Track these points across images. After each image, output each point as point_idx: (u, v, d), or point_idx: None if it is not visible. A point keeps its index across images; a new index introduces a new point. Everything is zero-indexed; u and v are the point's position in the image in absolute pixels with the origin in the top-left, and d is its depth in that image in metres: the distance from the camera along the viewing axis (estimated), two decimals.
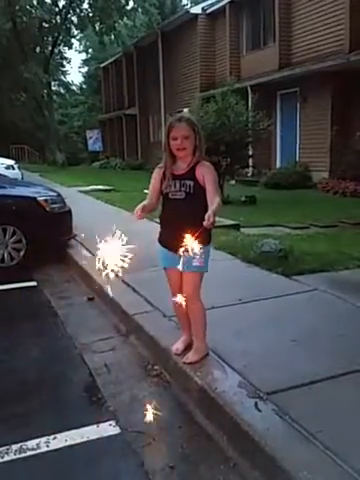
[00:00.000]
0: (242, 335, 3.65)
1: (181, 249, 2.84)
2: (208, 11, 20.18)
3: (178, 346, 3.41)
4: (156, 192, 3.21)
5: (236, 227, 8.12)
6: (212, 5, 20.18)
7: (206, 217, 2.81)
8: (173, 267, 3.16)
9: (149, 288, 4.89)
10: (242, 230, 8.04)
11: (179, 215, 3.10)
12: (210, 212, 2.84)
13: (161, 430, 2.79)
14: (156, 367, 3.53)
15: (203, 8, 20.39)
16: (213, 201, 2.98)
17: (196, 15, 20.29)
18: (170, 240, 3.12)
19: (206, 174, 3.07)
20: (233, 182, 15.04)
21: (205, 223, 2.80)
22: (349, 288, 4.76)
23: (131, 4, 25.61)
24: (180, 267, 2.97)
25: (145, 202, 3.16)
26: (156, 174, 3.23)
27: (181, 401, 3.10)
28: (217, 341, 3.51)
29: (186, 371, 3.19)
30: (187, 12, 21.32)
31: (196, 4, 23.38)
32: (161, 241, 3.32)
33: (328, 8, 14.40)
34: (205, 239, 2.95)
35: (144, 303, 4.51)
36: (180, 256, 2.88)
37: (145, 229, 8.40)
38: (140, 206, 3.08)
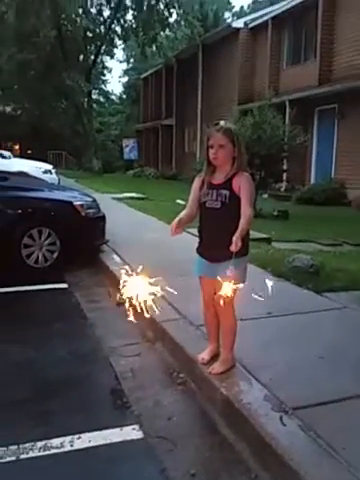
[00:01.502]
0: (270, 348, 3.63)
1: (217, 258, 2.90)
2: (250, 26, 20.28)
3: (204, 356, 3.41)
4: (196, 201, 3.23)
5: (267, 241, 8.08)
6: (254, 20, 20.29)
7: (233, 240, 2.85)
8: (207, 276, 3.23)
9: (178, 296, 4.90)
10: (273, 244, 7.99)
11: (215, 224, 3.14)
12: (236, 236, 2.87)
13: (184, 437, 2.80)
14: (181, 375, 3.54)
15: (245, 22, 20.52)
16: (244, 213, 3.00)
17: (238, 29, 20.42)
18: (206, 249, 3.20)
19: (243, 184, 3.08)
20: (266, 196, 14.98)
21: (231, 248, 2.86)
22: None
23: (174, 16, 25.96)
24: (215, 276, 3.01)
25: (182, 214, 3.18)
26: (196, 183, 3.26)
27: (205, 410, 3.10)
28: (244, 353, 3.49)
29: (211, 381, 3.19)
30: (229, 26, 21.49)
31: (238, 18, 23.55)
32: (198, 249, 3.33)
33: None
34: (241, 250, 2.94)
35: (172, 311, 4.53)
36: (215, 265, 2.92)
37: (175, 238, 8.48)
38: (176, 220, 3.09)
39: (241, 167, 3.13)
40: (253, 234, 8.16)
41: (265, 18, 19.34)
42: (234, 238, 2.87)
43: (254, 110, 12.20)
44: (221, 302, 3.06)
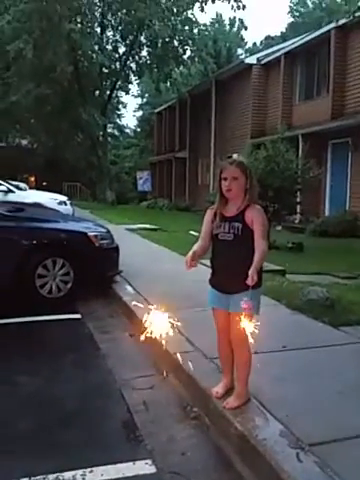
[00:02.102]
0: (285, 383, 3.56)
1: (230, 290, 2.91)
2: (263, 62, 20.66)
3: (218, 390, 3.36)
4: (208, 233, 3.25)
5: (281, 273, 8.03)
6: (267, 56, 20.69)
7: (249, 274, 2.90)
8: (221, 308, 3.23)
9: (191, 328, 4.87)
10: (287, 276, 7.93)
11: (227, 256, 3.16)
12: (252, 270, 2.90)
13: (198, 473, 2.73)
14: (195, 409, 3.48)
15: (258, 58, 20.91)
16: (259, 247, 3.02)
17: (251, 65, 20.80)
18: (219, 280, 3.21)
19: (255, 217, 3.11)
20: (280, 228, 14.97)
21: (248, 281, 2.90)
22: None
23: (188, 53, 26.57)
24: (228, 308, 3.08)
25: (196, 247, 3.20)
26: (208, 216, 3.28)
27: (219, 445, 3.03)
28: (259, 388, 3.44)
29: (226, 415, 3.13)
30: (242, 62, 21.93)
31: (251, 54, 24.05)
32: (211, 281, 3.33)
33: None
34: (255, 282, 2.96)
35: (186, 343, 4.49)
36: (228, 297, 2.93)
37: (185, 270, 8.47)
38: (190, 254, 3.12)
39: (252, 199, 3.16)
40: (267, 266, 8.19)
41: (278, 54, 19.71)
42: (250, 272, 2.90)
43: (267, 144, 12.31)
44: (235, 334, 3.05)
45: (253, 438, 2.81)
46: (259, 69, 20.79)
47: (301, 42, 18.52)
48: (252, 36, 62.62)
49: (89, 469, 2.75)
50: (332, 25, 16.44)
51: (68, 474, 2.70)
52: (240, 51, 46.00)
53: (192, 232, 13.89)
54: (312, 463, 2.54)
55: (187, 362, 4.04)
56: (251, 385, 3.29)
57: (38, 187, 26.74)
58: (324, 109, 16.69)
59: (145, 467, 2.80)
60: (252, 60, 21.07)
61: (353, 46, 16.04)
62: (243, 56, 28.84)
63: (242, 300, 2.95)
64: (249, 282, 2.89)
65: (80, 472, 2.72)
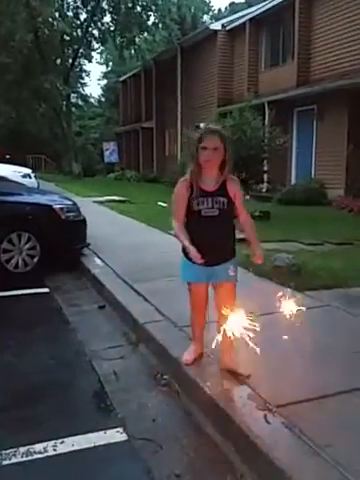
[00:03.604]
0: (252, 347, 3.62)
1: (213, 262, 3.04)
2: (228, 28, 20.35)
3: (188, 357, 3.38)
4: (184, 208, 3.07)
5: (244, 240, 8.09)
6: (232, 22, 20.36)
7: (257, 255, 3.16)
8: (200, 281, 3.20)
9: (160, 298, 4.90)
10: None
11: (213, 232, 3.06)
12: (258, 249, 3.20)
13: (168, 439, 2.78)
14: (165, 376, 3.52)
15: (223, 25, 20.57)
16: (247, 221, 3.21)
17: (216, 31, 20.46)
18: (203, 256, 3.00)
19: (237, 191, 3.10)
20: (247, 197, 15.03)
21: (258, 261, 3.18)
22: None
23: (152, 19, 25.95)
24: (209, 280, 3.16)
25: (181, 232, 3.07)
26: (182, 189, 3.07)
27: (190, 411, 3.08)
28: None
29: (196, 381, 3.17)
30: (207, 28, 21.54)
31: (216, 20, 23.62)
32: (188, 256, 3.12)
33: (348, 26, 14.45)
34: (234, 252, 3.16)
35: (155, 312, 4.51)
36: (210, 269, 3.07)
37: (157, 240, 8.47)
38: (192, 248, 2.96)
39: (229, 171, 3.10)
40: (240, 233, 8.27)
41: (242, 20, 19.43)
42: (257, 252, 3.18)
43: (234, 112, 12.24)
44: (232, 302, 3.14)
45: (222, 402, 2.86)
46: (224, 35, 20.49)
47: (266, 8, 18.26)
48: (218, 2, 61.51)
49: (60, 440, 2.76)
50: None
51: (39, 446, 2.71)
52: (206, 17, 45.16)
53: (160, 203, 13.83)
54: (280, 424, 2.61)
55: (156, 331, 4.07)
56: (219, 351, 3.33)
57: (1, 160, 26.04)
58: (290, 76, 16.64)
59: (116, 435, 2.83)
60: (217, 26, 20.72)
61: (317, 12, 15.92)
62: (208, 22, 28.25)
63: (229, 269, 3.10)
64: (260, 261, 3.15)
65: (51, 443, 2.73)
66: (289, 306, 3.32)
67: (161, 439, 2.76)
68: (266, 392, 2.91)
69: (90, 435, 2.81)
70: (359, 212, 12.77)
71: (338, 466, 2.24)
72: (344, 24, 14.64)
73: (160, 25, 25.73)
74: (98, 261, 6.75)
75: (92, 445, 2.73)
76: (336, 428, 2.57)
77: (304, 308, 4.56)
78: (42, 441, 2.74)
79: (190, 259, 3.08)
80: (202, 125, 18.82)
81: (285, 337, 3.84)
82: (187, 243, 2.99)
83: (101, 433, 2.84)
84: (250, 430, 2.57)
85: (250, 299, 4.79)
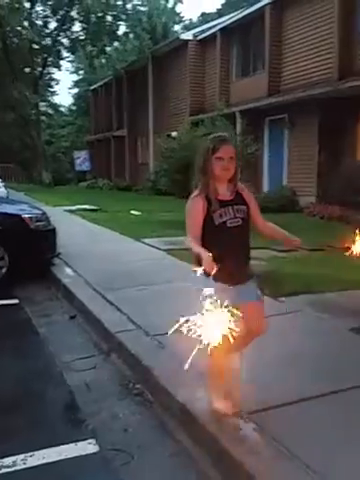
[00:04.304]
0: None
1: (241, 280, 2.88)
2: (199, 38, 20.53)
3: (228, 405, 2.84)
4: (201, 223, 2.81)
5: None
6: (203, 32, 20.56)
7: (292, 240, 3.05)
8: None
9: (132, 306, 4.87)
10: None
11: (238, 243, 2.87)
12: (289, 235, 3.06)
13: (141, 448, 2.75)
14: (137, 386, 3.48)
15: (194, 34, 20.74)
16: (268, 223, 3.10)
17: (187, 41, 20.62)
18: (230, 272, 2.70)
19: (251, 196, 3.01)
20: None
21: (297, 244, 3.08)
22: (334, 310, 4.78)
23: (123, 29, 26.07)
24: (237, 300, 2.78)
25: (199, 248, 2.67)
26: (198, 204, 2.81)
27: (162, 419, 3.06)
28: (200, 361, 3.48)
29: (168, 390, 3.15)
30: (178, 38, 21.70)
31: (188, 30, 23.82)
32: (217, 275, 2.64)
33: (318, 37, 14.73)
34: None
35: (127, 321, 4.48)
36: (236, 288, 2.82)
37: (129, 249, 8.43)
38: (208, 259, 2.55)
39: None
40: None
41: (213, 30, 19.63)
42: (289, 235, 3.06)
43: (205, 121, 12.35)
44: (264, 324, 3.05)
45: (194, 409, 2.85)
46: (195, 45, 20.66)
47: (236, 18, 18.51)
48: (189, 13, 62.07)
49: (30, 453, 2.69)
50: (267, 0, 16.53)
51: (8, 460, 2.64)
52: (177, 27, 45.56)
53: (133, 212, 13.80)
54: (251, 430, 2.61)
55: (128, 340, 4.03)
56: (195, 359, 3.31)
57: None
58: (261, 86, 16.86)
59: (88, 447, 2.78)
60: (188, 36, 20.88)
61: (288, 22, 16.20)
62: (180, 32, 28.48)
63: (255, 287, 2.96)
64: (298, 243, 3.06)
65: (21, 457, 2.66)
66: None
67: (133, 449, 2.73)
68: (238, 398, 2.90)
69: (61, 447, 2.76)
70: (330, 219, 12.98)
71: (309, 470, 2.25)
72: (313, 35, 14.93)
73: (131, 34, 25.84)
74: (69, 270, 6.67)
75: (63, 457, 2.68)
76: (307, 432, 2.59)
77: (277, 314, 4.62)
78: (12, 455, 2.67)
79: (218, 279, 2.66)
80: (174, 134, 18.93)
81: (257, 343, 3.86)
82: (202, 250, 2.62)
83: (72, 445, 2.79)
84: (222, 436, 2.56)
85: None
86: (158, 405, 3.21)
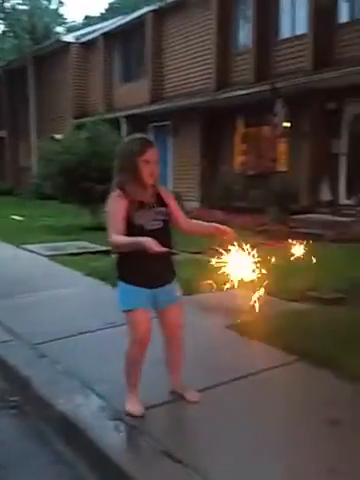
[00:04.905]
0: (108, 359, 3.59)
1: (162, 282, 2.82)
2: (81, 41, 20.30)
3: (137, 408, 2.83)
4: (123, 220, 2.72)
5: (108, 253, 8.11)
6: (85, 35, 20.36)
7: (227, 231, 2.92)
8: (147, 307, 2.84)
9: (12, 315, 4.69)
10: (113, 256, 8.03)
11: (161, 245, 2.70)
12: (224, 227, 2.95)
13: (18, 461, 2.65)
14: (14, 398, 3.35)
15: (76, 37, 20.47)
16: (191, 222, 3.06)
17: (68, 43, 20.28)
18: (151, 275, 2.76)
19: (171, 197, 2.98)
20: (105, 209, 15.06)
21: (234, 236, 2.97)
22: (211, 309, 4.97)
23: (1, 27, 24.94)
24: (155, 304, 2.87)
25: (127, 237, 2.66)
26: (120, 203, 2.74)
27: (41, 430, 2.97)
28: (82, 367, 3.46)
29: (46, 399, 3.09)
30: (59, 40, 21.27)
31: (71, 32, 23.41)
32: (137, 279, 2.79)
33: (197, 48, 15.28)
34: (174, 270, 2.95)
35: (4, 332, 4.30)
36: (156, 291, 2.81)
37: (9, 255, 8.08)
38: (148, 240, 2.53)
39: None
40: (93, 247, 8.21)
41: (96, 34, 19.52)
42: (222, 227, 2.95)
43: (88, 124, 12.24)
44: (181, 322, 2.97)
45: (74, 417, 2.82)
46: (78, 48, 20.38)
47: (119, 23, 18.60)
48: (73, 15, 61.08)
49: None
50: (149, 8, 16.80)
51: None
52: (61, 29, 44.62)
53: (15, 216, 13.23)
54: (131, 432, 2.64)
55: (5, 351, 3.87)
56: (75, 366, 3.28)
57: None
58: (144, 92, 17.09)
59: None
60: (70, 38, 20.56)
61: (169, 31, 16.60)
62: (62, 34, 27.87)
63: (175, 289, 2.90)
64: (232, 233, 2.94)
65: None
66: None
67: (9, 463, 2.63)
68: (119, 402, 2.91)
69: None
70: (213, 223, 13.51)
71: (187, 468, 2.32)
72: (193, 45, 15.48)
73: (11, 34, 24.81)
74: None
75: None
76: (183, 431, 2.67)
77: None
78: None
79: (133, 282, 2.78)
80: (58, 136, 18.44)
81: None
82: (135, 239, 2.59)
83: None
84: (102, 442, 2.56)
85: (108, 311, 4.80)
86: (37, 416, 3.11)
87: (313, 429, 2.68)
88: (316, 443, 2.55)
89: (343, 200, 11.57)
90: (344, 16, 11.70)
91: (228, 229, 2.94)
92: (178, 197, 15.19)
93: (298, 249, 5.76)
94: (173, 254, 2.57)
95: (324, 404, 2.95)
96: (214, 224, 3.01)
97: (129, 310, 2.82)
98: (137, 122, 16.10)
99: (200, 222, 3.12)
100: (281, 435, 2.66)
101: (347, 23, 11.54)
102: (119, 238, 2.65)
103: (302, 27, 12.22)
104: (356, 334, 3.94)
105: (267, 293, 5.05)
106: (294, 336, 3.99)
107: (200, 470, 2.31)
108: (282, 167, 12.87)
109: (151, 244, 2.50)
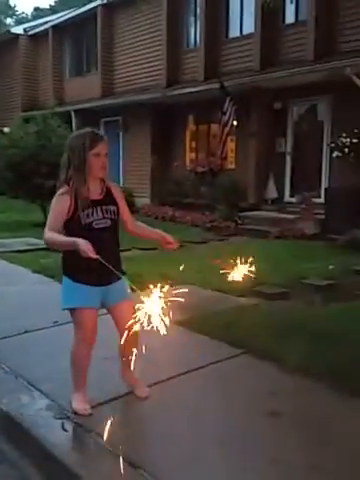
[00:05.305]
0: (54, 357, 3.59)
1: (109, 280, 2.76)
2: (30, 33, 19.81)
3: (85, 407, 2.82)
4: (63, 221, 2.69)
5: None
6: (35, 27, 19.90)
7: (170, 241, 2.89)
8: (94, 306, 2.81)
9: None
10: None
11: (107, 245, 2.71)
12: (169, 236, 2.92)
13: None
14: None
15: (25, 29, 19.96)
16: (138, 223, 3.04)
17: (17, 35, 19.78)
18: (99, 273, 2.69)
19: (122, 196, 2.93)
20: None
21: (174, 246, 2.91)
22: None
23: None
24: (103, 302, 2.85)
25: (64, 236, 2.63)
26: (64, 203, 2.68)
27: None
28: (28, 366, 3.43)
29: None
30: (8, 31, 20.70)
31: (20, 24, 22.82)
32: (83, 277, 2.75)
33: (148, 43, 15.23)
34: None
35: None
36: (103, 289, 2.79)
37: None
38: (84, 243, 2.45)
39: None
40: (41, 244, 8.05)
41: (46, 26, 19.10)
42: (169, 237, 2.90)
43: (37, 118, 12.00)
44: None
45: (18, 416, 2.79)
46: (27, 40, 19.90)
47: (69, 16, 18.26)
48: (23, 6, 59.53)
49: None
50: (99, 1, 16.59)
51: None
52: (10, 21, 43.42)
53: None
54: (76, 430, 2.65)
55: None
56: (20, 366, 3.24)
57: None
58: (94, 87, 16.90)
59: None
60: (19, 30, 20.03)
61: (119, 25, 16.44)
62: (10, 25, 27.15)
63: (125, 286, 2.81)
64: (175, 243, 2.91)
65: None
66: None
67: None
68: (65, 400, 2.91)
69: None
70: (164, 219, 13.56)
71: (132, 464, 2.35)
72: (143, 41, 15.42)
73: None
74: None
75: None
76: (129, 428, 2.70)
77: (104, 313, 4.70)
78: None
79: (78, 280, 2.75)
80: (6, 129, 17.96)
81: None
82: (70, 239, 2.53)
83: None
84: (47, 441, 2.56)
85: (55, 309, 4.74)
86: None
87: (255, 420, 2.77)
88: (258, 434, 2.64)
89: (287, 198, 11.88)
90: (290, 17, 11.97)
91: (171, 239, 2.93)
92: (129, 194, 15.34)
93: (244, 246, 5.91)
94: (104, 265, 2.49)
95: (266, 396, 3.06)
96: (159, 231, 3.01)
97: (73, 308, 2.79)
98: (88, 117, 15.90)
99: (146, 227, 3.10)
100: (225, 427, 2.73)
101: (292, 24, 11.81)
102: (54, 236, 2.60)
103: (250, 27, 12.40)
104: (296, 327, 4.10)
105: (215, 289, 5.15)
106: (240, 330, 4.10)
107: (145, 466, 2.33)
108: (231, 165, 13.06)
109: (85, 248, 2.43)
